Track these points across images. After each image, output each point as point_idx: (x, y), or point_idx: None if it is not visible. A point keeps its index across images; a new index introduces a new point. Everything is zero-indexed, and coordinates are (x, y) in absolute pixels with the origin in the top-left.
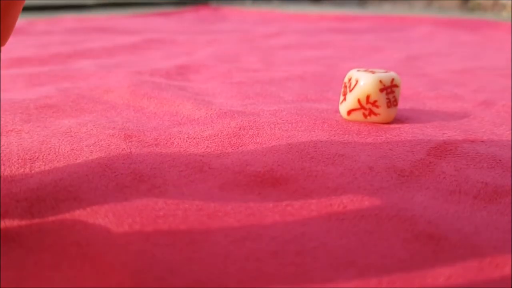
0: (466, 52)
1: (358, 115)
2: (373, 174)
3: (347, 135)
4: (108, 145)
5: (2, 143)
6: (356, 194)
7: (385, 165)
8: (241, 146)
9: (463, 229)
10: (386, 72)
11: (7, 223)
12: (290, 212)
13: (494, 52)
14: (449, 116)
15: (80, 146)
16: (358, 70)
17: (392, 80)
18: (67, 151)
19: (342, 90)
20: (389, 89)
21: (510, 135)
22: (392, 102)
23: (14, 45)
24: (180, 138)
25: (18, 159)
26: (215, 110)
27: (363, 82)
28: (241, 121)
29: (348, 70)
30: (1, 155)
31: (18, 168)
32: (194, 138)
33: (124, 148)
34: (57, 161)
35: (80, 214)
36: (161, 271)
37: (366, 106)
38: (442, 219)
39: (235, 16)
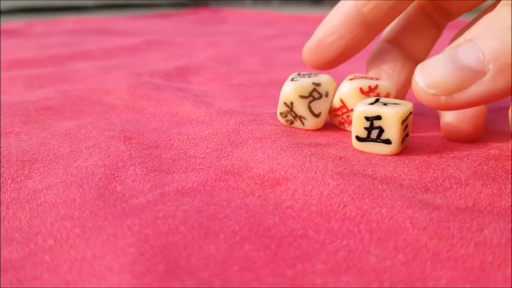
0: None
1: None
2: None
3: (346, 138)
4: (108, 147)
5: (1, 145)
6: (356, 193)
7: (385, 166)
8: (241, 142)
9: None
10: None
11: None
12: (290, 214)
13: None
14: None
15: (80, 147)
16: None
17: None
18: (66, 153)
19: None
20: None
21: (510, 135)
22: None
23: (13, 47)
24: (179, 140)
25: (17, 160)
26: (214, 110)
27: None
28: (241, 118)
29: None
30: (1, 156)
31: (17, 169)
32: (193, 139)
33: (124, 150)
34: (56, 162)
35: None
36: (160, 272)
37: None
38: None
39: (234, 17)
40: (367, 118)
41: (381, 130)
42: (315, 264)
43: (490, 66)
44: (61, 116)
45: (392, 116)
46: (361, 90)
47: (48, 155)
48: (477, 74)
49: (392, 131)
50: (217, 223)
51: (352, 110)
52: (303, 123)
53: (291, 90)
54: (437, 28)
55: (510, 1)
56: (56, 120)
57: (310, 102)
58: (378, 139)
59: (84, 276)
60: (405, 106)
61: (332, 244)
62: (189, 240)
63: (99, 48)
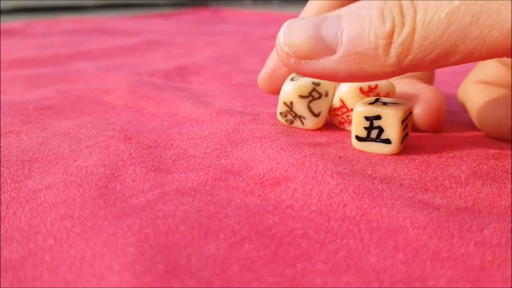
0: None
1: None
2: (373, 174)
3: (346, 138)
4: (108, 146)
5: (1, 145)
6: (356, 193)
7: (385, 166)
8: (241, 142)
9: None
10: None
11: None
12: (290, 214)
13: None
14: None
15: (80, 147)
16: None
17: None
18: (66, 153)
19: None
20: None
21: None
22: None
23: (13, 46)
24: (179, 139)
25: (17, 160)
26: (214, 109)
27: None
28: (241, 118)
29: None
30: (1, 156)
31: (17, 169)
32: (193, 139)
33: (124, 150)
34: (56, 162)
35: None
36: (160, 272)
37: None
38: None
39: (234, 17)
40: (367, 118)
41: (381, 129)
42: (315, 263)
43: (341, 48)
44: (61, 116)
45: (392, 115)
46: (361, 89)
47: (48, 155)
48: (328, 50)
49: (392, 130)
50: (217, 222)
51: (352, 109)
52: (303, 123)
53: (291, 89)
54: None
55: None
56: (56, 119)
57: (309, 101)
58: (378, 139)
59: (84, 276)
60: (405, 106)
61: (332, 244)
62: (189, 240)
63: (99, 48)
